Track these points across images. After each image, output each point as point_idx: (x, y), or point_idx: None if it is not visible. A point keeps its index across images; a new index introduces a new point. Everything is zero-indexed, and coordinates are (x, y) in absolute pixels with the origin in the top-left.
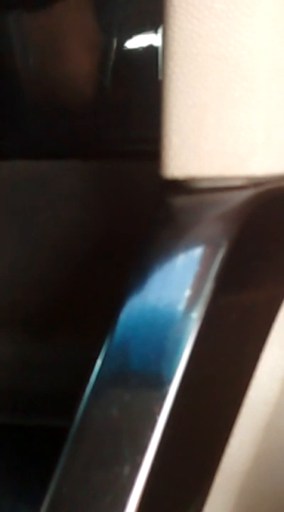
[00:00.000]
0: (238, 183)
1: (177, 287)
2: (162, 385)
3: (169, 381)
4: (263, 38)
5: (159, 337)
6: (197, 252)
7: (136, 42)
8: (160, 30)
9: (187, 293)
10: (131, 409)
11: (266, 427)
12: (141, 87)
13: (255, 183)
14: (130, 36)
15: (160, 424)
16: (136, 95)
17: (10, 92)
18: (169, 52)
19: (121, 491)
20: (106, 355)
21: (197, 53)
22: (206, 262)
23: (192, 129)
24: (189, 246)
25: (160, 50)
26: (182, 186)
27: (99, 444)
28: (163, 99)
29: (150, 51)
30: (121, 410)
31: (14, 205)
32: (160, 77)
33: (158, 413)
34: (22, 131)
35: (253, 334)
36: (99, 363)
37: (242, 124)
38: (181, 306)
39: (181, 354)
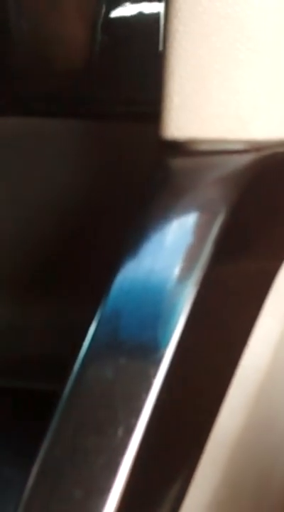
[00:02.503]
0: (240, 146)
1: (175, 251)
2: (158, 348)
3: (165, 344)
4: None
5: (155, 300)
6: (196, 216)
7: (131, 4)
8: None
9: (185, 257)
10: (126, 372)
11: (257, 396)
12: (136, 49)
13: (256, 147)
14: None
15: (155, 387)
16: (130, 57)
17: (2, 52)
18: (173, 10)
19: (114, 454)
20: (100, 318)
21: (203, 11)
22: (204, 227)
23: (194, 89)
24: (187, 209)
25: (157, 12)
26: (181, 148)
27: (93, 407)
28: (165, 58)
29: (146, 13)
30: (115, 373)
31: (5, 163)
32: (156, 39)
33: (153, 376)
34: (13, 89)
35: (248, 302)
36: (93, 325)
37: (245, 87)
38: (178, 270)
39: (177, 318)
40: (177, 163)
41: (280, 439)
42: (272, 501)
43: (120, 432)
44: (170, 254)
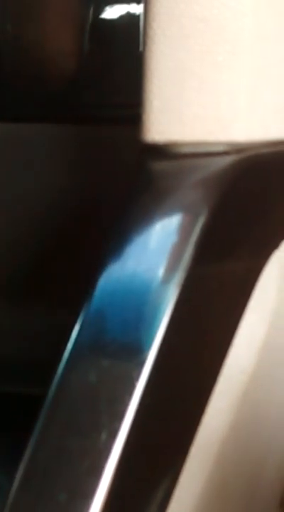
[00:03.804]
0: (220, 148)
1: (157, 253)
2: (141, 350)
3: (148, 347)
4: (248, 1)
5: (138, 303)
6: (177, 219)
7: (115, 8)
8: None
9: (167, 259)
10: (109, 375)
11: (242, 396)
12: (119, 53)
13: (236, 149)
14: (109, 3)
15: (138, 390)
16: (114, 61)
17: None
18: (152, 14)
19: (97, 458)
20: (83, 321)
21: (180, 15)
22: (186, 229)
23: (173, 92)
24: (169, 212)
25: (139, 16)
26: (163, 151)
27: (77, 410)
28: (145, 61)
29: (129, 18)
30: (98, 376)
31: None
32: (139, 43)
33: (137, 379)
34: None
35: (232, 303)
36: (76, 328)
37: (224, 89)
38: (160, 272)
39: (160, 320)
40: (159, 166)
41: (268, 438)
42: (263, 501)
43: (104, 435)
44: (153, 256)
